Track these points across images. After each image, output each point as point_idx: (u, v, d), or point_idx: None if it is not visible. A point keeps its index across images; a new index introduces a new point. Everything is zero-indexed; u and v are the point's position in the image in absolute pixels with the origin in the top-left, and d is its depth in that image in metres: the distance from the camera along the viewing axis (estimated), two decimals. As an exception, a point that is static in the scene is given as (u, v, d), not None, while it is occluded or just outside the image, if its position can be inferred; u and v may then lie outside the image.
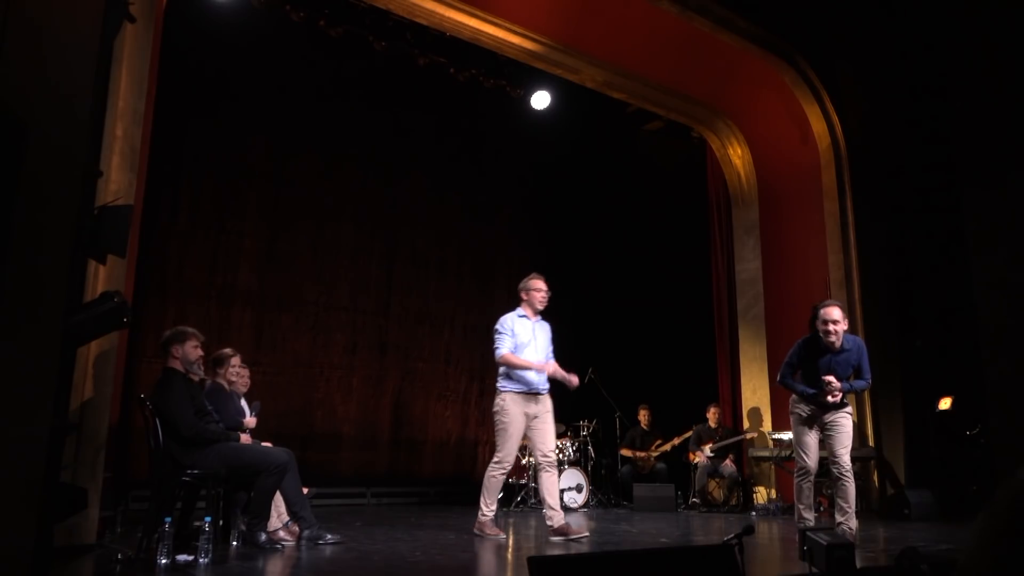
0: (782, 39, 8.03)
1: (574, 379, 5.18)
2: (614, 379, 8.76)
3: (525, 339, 5.11)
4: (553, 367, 5.16)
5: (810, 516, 4.74)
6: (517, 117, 9.39)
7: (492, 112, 9.43)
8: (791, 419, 4.92)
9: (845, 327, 4.78)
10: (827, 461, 4.82)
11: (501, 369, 5.13)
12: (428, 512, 7.33)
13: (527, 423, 5.03)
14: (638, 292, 9.67)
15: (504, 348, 5.08)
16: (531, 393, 5.05)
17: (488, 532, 4.94)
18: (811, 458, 4.72)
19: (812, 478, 4.74)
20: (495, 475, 5.01)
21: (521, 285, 5.32)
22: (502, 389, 5.08)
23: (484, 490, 5.04)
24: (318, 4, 7.74)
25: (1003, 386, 7.42)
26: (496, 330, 5.20)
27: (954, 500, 7.27)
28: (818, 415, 4.76)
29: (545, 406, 5.10)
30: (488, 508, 5.02)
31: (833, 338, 4.69)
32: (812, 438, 4.75)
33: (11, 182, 2.33)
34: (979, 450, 7.51)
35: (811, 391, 4.74)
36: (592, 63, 8.24)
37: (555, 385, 5.27)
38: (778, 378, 5.07)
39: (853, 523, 4.65)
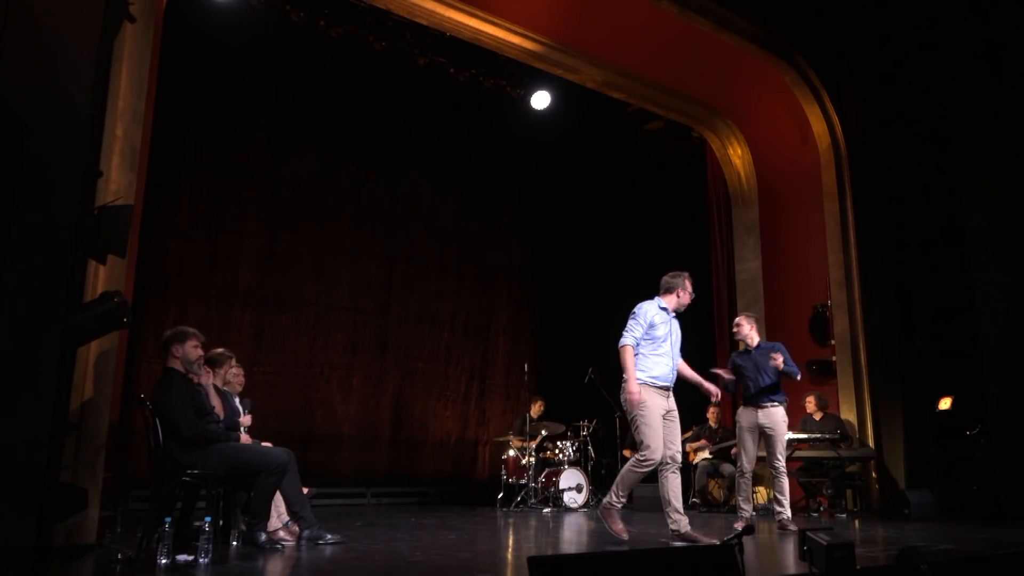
0: (782, 39, 8.03)
1: (714, 389, 5.14)
2: (614, 379, 8.74)
3: (662, 333, 4.78)
4: (691, 373, 5.09)
5: (748, 508, 5.58)
6: (517, 117, 9.39)
7: (492, 112, 9.43)
8: (736, 428, 5.84)
9: (750, 328, 5.90)
10: (765, 460, 5.73)
11: (635, 359, 4.71)
12: (428, 512, 7.33)
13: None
14: (638, 292, 9.64)
15: (630, 338, 4.71)
16: (664, 387, 4.73)
17: (611, 523, 4.55)
18: (750, 459, 5.62)
19: (750, 475, 5.63)
20: (636, 470, 4.54)
21: (673, 281, 4.97)
22: (638, 380, 4.65)
23: (620, 479, 4.61)
24: (318, 4, 7.73)
25: (1003, 386, 7.43)
26: (633, 314, 4.82)
27: (954, 500, 7.26)
28: (756, 422, 5.62)
29: (673, 403, 4.77)
30: (618, 498, 4.59)
31: (738, 337, 5.93)
32: (752, 443, 5.62)
33: (11, 182, 2.33)
34: (979, 450, 7.50)
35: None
36: (592, 63, 8.24)
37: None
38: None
39: (788, 514, 5.47)
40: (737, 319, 6.03)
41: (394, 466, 8.75)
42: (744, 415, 5.71)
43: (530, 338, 10.13)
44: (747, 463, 5.61)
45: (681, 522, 4.53)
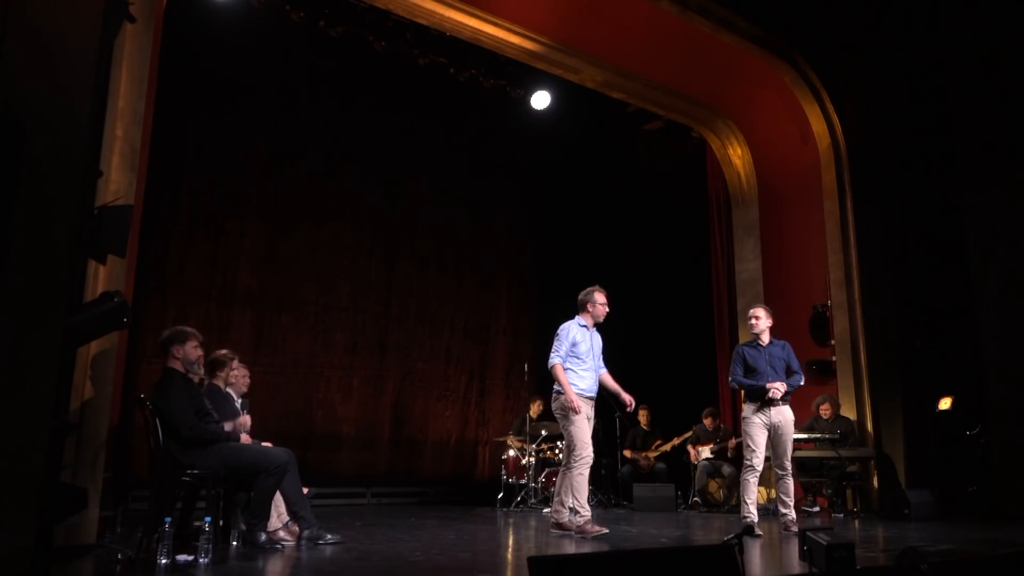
0: (782, 39, 8.03)
1: (628, 398, 5.39)
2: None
3: (584, 348, 5.30)
4: (612, 383, 5.44)
5: (755, 510, 5.38)
6: (517, 117, 9.39)
7: (492, 112, 9.43)
8: (745, 425, 5.56)
9: (769, 324, 5.69)
10: (770, 460, 5.61)
11: (562, 373, 5.25)
12: (428, 512, 7.33)
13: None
14: (638, 292, 9.66)
15: (557, 358, 5.24)
16: (589, 397, 5.27)
17: (591, 531, 4.94)
18: (761, 459, 5.44)
19: (758, 475, 5.43)
20: (582, 473, 5.07)
21: (584, 297, 5.47)
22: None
23: (575, 492, 5.04)
24: (318, 4, 7.73)
25: (1003, 386, 7.43)
26: (557, 335, 5.33)
27: (954, 500, 7.26)
28: (769, 420, 5.46)
29: (593, 411, 5.32)
30: (584, 508, 5.05)
31: (756, 330, 5.64)
32: (763, 441, 5.46)
33: (11, 182, 2.33)
34: (979, 450, 7.50)
35: (758, 384, 5.47)
36: (592, 63, 8.23)
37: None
38: (730, 379, 5.74)
39: (792, 515, 5.41)
40: (758, 310, 5.75)
41: (394, 466, 8.75)
42: (754, 413, 5.50)
43: (530, 338, 10.11)
44: (758, 462, 5.40)
45: (563, 513, 5.10)
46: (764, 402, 5.47)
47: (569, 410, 5.07)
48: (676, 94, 8.91)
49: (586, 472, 5.10)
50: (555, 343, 5.32)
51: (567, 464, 5.17)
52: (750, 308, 5.91)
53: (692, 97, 9.02)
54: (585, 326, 5.41)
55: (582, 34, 7.85)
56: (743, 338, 8.94)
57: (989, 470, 7.36)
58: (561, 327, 5.38)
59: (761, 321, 5.67)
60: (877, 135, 8.37)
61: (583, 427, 5.11)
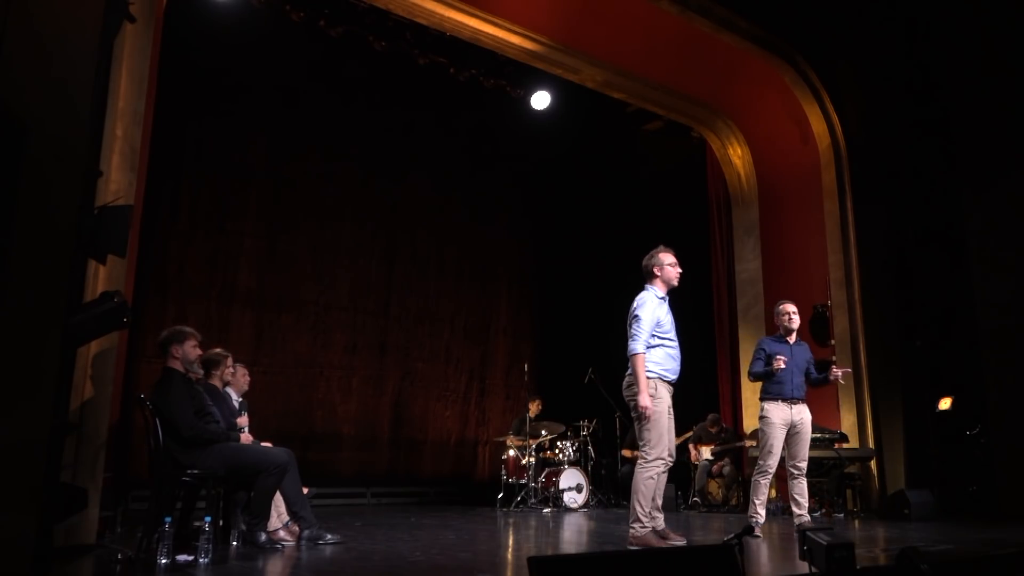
0: (782, 39, 8.03)
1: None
2: (614, 379, 8.74)
3: (668, 324, 4.50)
4: None
5: (763, 511, 5.15)
6: (517, 117, 9.40)
7: (492, 112, 9.44)
8: (763, 424, 5.26)
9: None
10: (784, 461, 5.30)
11: (646, 353, 4.38)
12: (428, 512, 7.34)
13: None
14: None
15: (639, 346, 4.32)
16: (673, 381, 4.48)
17: (654, 545, 4.14)
18: (776, 459, 5.18)
19: (771, 476, 5.22)
20: (651, 476, 4.22)
21: (651, 261, 4.59)
22: (649, 375, 4.33)
23: (639, 496, 4.21)
24: (318, 4, 7.73)
25: (1003, 386, 7.43)
26: (635, 316, 4.43)
27: (954, 500, 7.26)
28: (789, 419, 5.18)
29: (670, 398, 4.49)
30: (646, 516, 4.19)
31: (793, 326, 5.39)
32: (781, 443, 5.19)
33: (11, 182, 2.33)
34: (979, 450, 7.50)
35: (776, 370, 5.15)
36: (592, 63, 8.24)
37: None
38: (750, 375, 5.50)
39: (808, 516, 5.17)
40: (792, 306, 5.42)
41: (394, 466, 8.76)
42: (775, 411, 5.17)
43: (530, 338, 10.13)
44: (773, 462, 5.09)
45: (658, 519, 4.34)
46: (786, 399, 5.17)
47: (643, 408, 4.25)
48: (676, 94, 8.91)
49: (655, 475, 4.22)
50: (634, 326, 4.37)
51: (638, 465, 4.32)
52: (781, 304, 5.51)
53: (692, 97, 9.02)
54: (663, 298, 4.56)
55: (582, 34, 7.85)
56: (743, 338, 8.94)
57: (989, 470, 7.35)
58: (638, 302, 4.48)
59: (797, 318, 5.38)
60: (877, 135, 8.36)
61: (663, 421, 4.26)
